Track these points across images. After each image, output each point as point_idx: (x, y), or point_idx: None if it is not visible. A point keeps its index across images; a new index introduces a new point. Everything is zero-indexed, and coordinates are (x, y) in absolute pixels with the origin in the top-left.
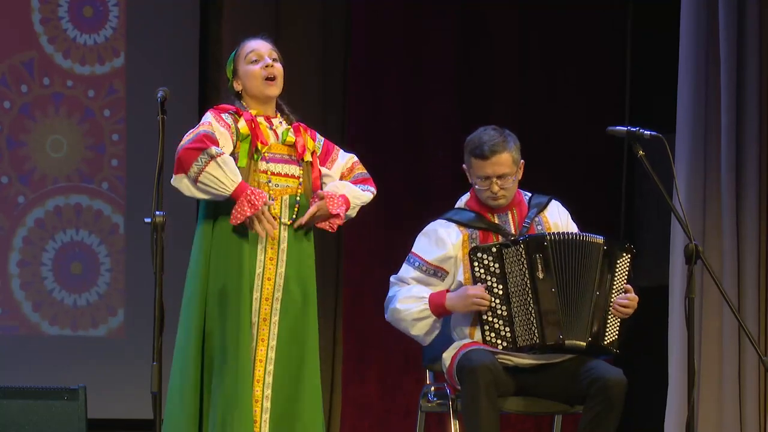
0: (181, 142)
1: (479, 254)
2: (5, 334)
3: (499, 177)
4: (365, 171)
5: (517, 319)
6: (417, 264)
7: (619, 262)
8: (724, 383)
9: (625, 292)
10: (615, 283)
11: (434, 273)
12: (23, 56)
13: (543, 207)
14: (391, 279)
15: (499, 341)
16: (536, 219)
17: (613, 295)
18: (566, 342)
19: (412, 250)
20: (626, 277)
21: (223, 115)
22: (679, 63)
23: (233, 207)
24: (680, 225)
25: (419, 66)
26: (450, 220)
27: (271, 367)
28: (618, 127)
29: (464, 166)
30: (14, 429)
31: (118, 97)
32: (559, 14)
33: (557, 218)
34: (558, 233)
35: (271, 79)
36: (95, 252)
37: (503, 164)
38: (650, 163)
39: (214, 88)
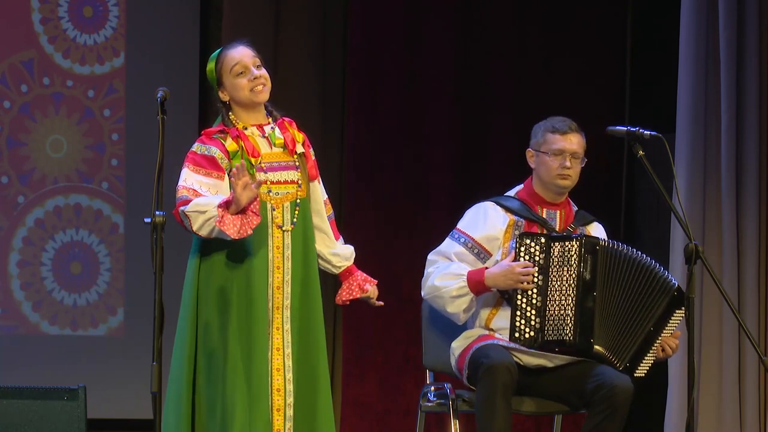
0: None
1: (527, 241)
2: (5, 334)
3: (572, 156)
4: (332, 212)
5: (549, 312)
6: (463, 240)
7: (677, 311)
8: (724, 383)
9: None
10: (668, 326)
11: (478, 253)
12: (23, 56)
13: (587, 222)
14: (430, 256)
15: (527, 329)
16: (580, 228)
17: (661, 336)
18: (595, 347)
19: (458, 226)
20: (676, 326)
21: (205, 149)
22: (679, 63)
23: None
24: (680, 225)
25: (419, 66)
26: (497, 203)
27: (290, 375)
28: (618, 127)
29: (529, 150)
30: (14, 429)
31: (118, 97)
32: (559, 14)
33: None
34: (611, 241)
35: (260, 86)
36: (95, 252)
37: (578, 144)
38: (650, 163)
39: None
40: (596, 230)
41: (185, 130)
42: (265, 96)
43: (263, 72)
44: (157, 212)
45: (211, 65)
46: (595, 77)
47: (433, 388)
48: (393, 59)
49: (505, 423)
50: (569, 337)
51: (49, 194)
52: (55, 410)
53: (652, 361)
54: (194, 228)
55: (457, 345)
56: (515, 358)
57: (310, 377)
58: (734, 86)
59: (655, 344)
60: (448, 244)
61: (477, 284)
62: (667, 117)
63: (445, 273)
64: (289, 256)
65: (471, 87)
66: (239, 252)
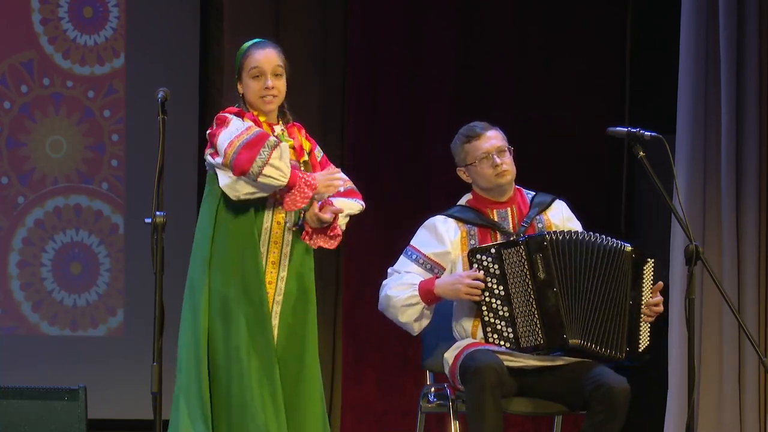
0: (231, 145)
1: (478, 256)
2: (5, 335)
3: (498, 152)
4: (352, 184)
5: (519, 319)
6: (415, 257)
7: (645, 268)
8: (724, 384)
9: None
10: (643, 290)
11: (431, 268)
12: (23, 56)
13: (546, 206)
14: (389, 270)
15: (502, 342)
16: (537, 218)
17: (643, 301)
18: (570, 341)
19: (411, 243)
20: (652, 282)
21: (241, 123)
22: (679, 63)
23: (286, 195)
24: (680, 226)
25: (419, 66)
26: (449, 216)
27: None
28: (618, 128)
29: (460, 169)
30: (14, 429)
31: (118, 98)
32: (559, 14)
33: (559, 219)
34: (558, 232)
35: (269, 97)
36: (95, 252)
37: (497, 138)
38: (650, 163)
39: (214, 88)
40: (557, 210)
41: (185, 130)
42: (272, 107)
43: (279, 83)
44: (158, 212)
45: (240, 52)
46: (595, 77)
47: (433, 389)
48: (393, 59)
49: (495, 422)
50: (541, 341)
51: (49, 195)
52: (56, 410)
53: (649, 332)
54: (254, 167)
55: (449, 355)
56: (510, 362)
57: (295, 372)
58: (734, 86)
59: (642, 314)
60: (403, 262)
61: (427, 293)
62: (667, 117)
63: (399, 283)
64: (287, 253)
65: (471, 87)
66: (248, 248)
